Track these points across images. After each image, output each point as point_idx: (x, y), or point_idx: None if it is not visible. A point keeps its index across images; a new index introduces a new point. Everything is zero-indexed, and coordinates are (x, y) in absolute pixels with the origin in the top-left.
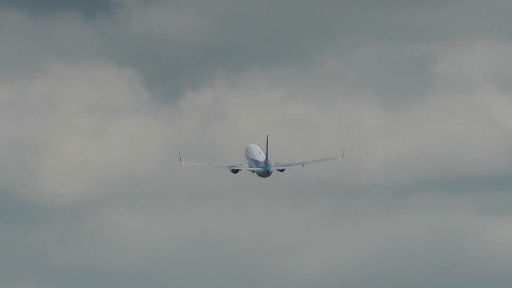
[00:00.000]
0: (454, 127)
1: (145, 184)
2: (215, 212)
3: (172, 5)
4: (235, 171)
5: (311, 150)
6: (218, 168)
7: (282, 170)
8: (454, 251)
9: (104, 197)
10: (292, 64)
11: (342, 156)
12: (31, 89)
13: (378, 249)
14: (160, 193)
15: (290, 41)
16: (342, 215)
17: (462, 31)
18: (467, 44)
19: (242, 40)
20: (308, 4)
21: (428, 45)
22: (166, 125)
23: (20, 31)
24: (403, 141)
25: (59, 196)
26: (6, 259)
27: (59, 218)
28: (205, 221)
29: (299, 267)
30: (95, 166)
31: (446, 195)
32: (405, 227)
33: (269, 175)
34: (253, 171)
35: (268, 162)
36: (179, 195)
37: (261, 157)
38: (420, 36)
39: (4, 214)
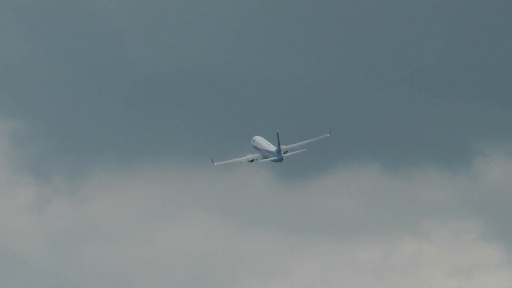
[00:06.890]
0: None
1: None
2: None
3: None
4: (251, 160)
5: None
6: (240, 162)
7: (285, 152)
8: None
9: None
10: None
11: (330, 133)
12: (397, 249)
13: None
14: None
15: None
16: None
17: None
18: None
19: None
20: None
21: None
22: None
23: (388, 191)
24: None
25: None
26: None
27: None
28: None
29: None
30: None
31: None
32: None
33: (283, 160)
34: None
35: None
36: None
37: (270, 147)
38: None
39: None
